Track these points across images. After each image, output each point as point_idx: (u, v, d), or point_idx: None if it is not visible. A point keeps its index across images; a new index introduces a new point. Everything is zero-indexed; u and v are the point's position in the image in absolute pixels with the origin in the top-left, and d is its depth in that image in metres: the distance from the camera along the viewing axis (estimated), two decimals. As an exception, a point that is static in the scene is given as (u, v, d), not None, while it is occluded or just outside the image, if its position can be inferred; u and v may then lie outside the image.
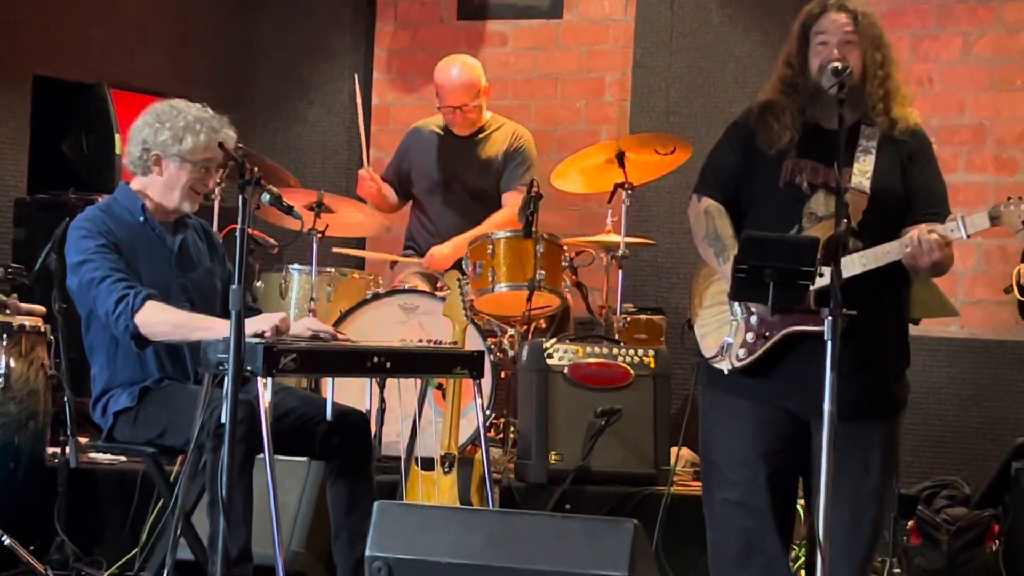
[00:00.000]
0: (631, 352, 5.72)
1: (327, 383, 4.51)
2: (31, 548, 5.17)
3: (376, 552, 3.54)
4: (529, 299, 5.78)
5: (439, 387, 5.20)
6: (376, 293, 6.07)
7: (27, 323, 5.41)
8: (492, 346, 5.91)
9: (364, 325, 5.84)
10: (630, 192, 6.21)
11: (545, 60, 7.75)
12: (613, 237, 6.29)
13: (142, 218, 4.65)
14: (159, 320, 4.44)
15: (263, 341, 4.20)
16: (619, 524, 3.45)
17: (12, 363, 5.36)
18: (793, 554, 4.76)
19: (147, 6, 7.59)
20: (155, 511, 5.16)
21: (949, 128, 6.77)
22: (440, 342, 4.80)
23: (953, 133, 6.78)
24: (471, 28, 7.86)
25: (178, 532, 4.29)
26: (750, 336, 4.08)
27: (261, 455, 4.15)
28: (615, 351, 5.72)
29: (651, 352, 5.74)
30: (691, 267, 4.38)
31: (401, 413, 5.07)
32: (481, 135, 6.73)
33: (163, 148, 4.61)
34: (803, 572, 4.76)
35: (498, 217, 6.52)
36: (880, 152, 4.11)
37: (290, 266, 6.37)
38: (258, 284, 6.32)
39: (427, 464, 5.17)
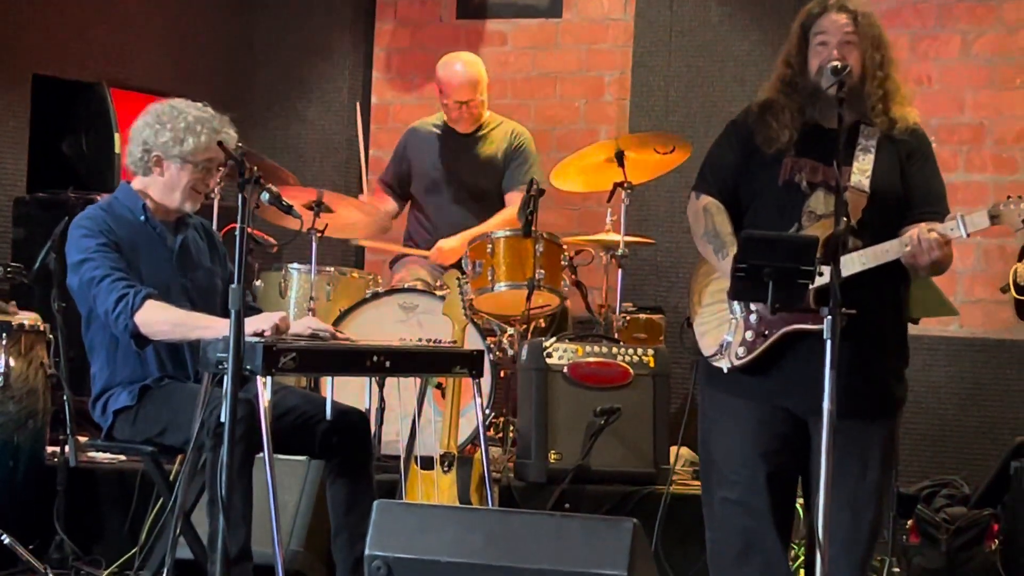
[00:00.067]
0: (630, 351, 5.73)
1: (326, 382, 4.51)
2: (30, 547, 5.16)
3: (375, 551, 3.54)
4: (528, 298, 5.78)
5: (438, 386, 5.20)
6: (375, 292, 6.07)
7: (26, 322, 5.41)
8: (491, 345, 5.91)
9: (363, 324, 5.84)
10: (629, 191, 6.21)
11: (544, 59, 7.75)
12: (612, 236, 6.29)
13: (143, 217, 4.65)
14: (159, 319, 4.44)
15: (263, 340, 4.20)
16: (618, 523, 3.45)
17: (11, 362, 5.36)
18: (792, 553, 4.76)
19: (147, 5, 7.59)
20: (154, 510, 5.15)
21: (948, 127, 6.77)
22: (440, 341, 4.80)
23: (952, 132, 6.78)
24: (470, 27, 7.86)
25: (177, 531, 4.29)
26: (749, 334, 4.09)
27: (261, 454, 4.16)
28: (614, 350, 5.72)
29: (650, 351, 5.74)
30: (690, 266, 4.38)
31: (400, 412, 5.07)
32: (480, 133, 6.74)
33: (164, 149, 4.60)
34: (802, 571, 4.76)
35: (505, 215, 6.52)
36: (879, 151, 4.12)
37: (289, 265, 6.36)
38: (257, 283, 6.32)
39: (426, 463, 5.17)
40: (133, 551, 5.18)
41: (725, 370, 4.13)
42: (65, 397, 5.25)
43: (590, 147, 6.46)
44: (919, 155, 4.17)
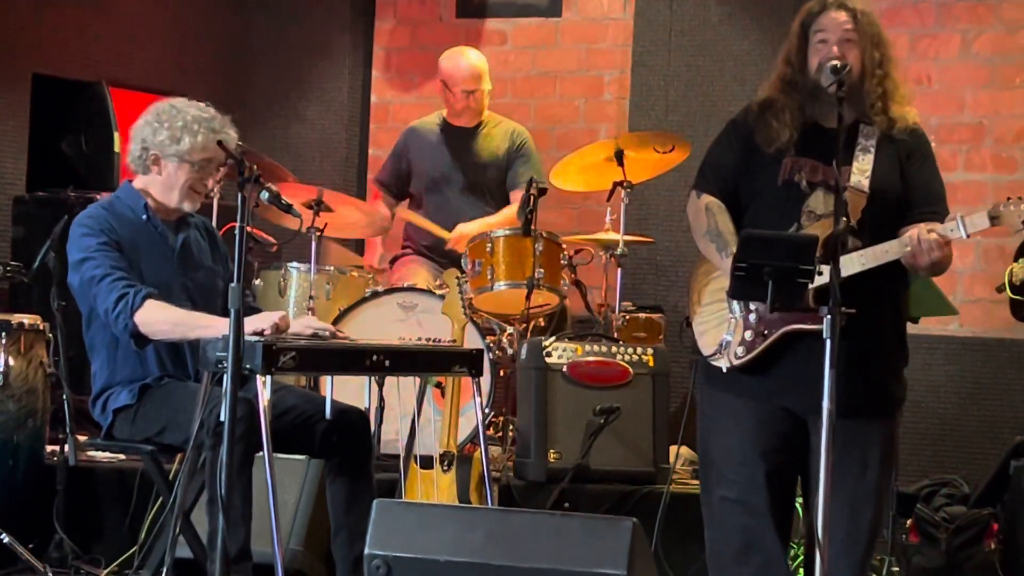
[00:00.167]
0: (630, 350, 5.73)
1: (326, 381, 4.51)
2: (30, 546, 5.17)
3: (375, 550, 3.54)
4: (528, 297, 5.78)
5: (438, 385, 5.20)
6: (375, 291, 6.07)
7: (26, 321, 5.41)
8: (491, 344, 5.91)
9: (363, 323, 5.84)
10: (629, 190, 6.22)
11: (544, 58, 7.75)
12: (612, 235, 6.29)
13: (145, 216, 4.65)
14: (158, 319, 4.44)
15: (262, 339, 4.20)
16: (618, 522, 3.45)
17: (11, 361, 5.36)
18: (792, 552, 4.76)
19: (146, 4, 7.59)
20: (154, 509, 5.15)
21: (948, 127, 6.77)
22: (439, 340, 4.80)
23: (952, 132, 6.78)
24: (470, 26, 7.86)
25: (177, 530, 4.29)
26: (749, 334, 4.08)
27: (260, 453, 4.15)
28: (614, 349, 5.72)
29: (650, 350, 5.75)
30: (690, 265, 4.38)
31: (400, 411, 5.07)
32: (481, 130, 6.76)
33: (161, 148, 4.60)
34: (801, 571, 4.76)
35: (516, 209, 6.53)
36: (879, 151, 4.12)
37: (289, 264, 6.36)
38: (257, 282, 6.31)
39: (426, 462, 5.17)
40: (132, 550, 5.18)
41: (724, 369, 4.13)
42: (64, 396, 5.25)
43: (590, 146, 6.46)
44: (919, 155, 4.17)
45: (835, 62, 3.98)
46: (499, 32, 7.82)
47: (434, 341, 4.78)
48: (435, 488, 5.12)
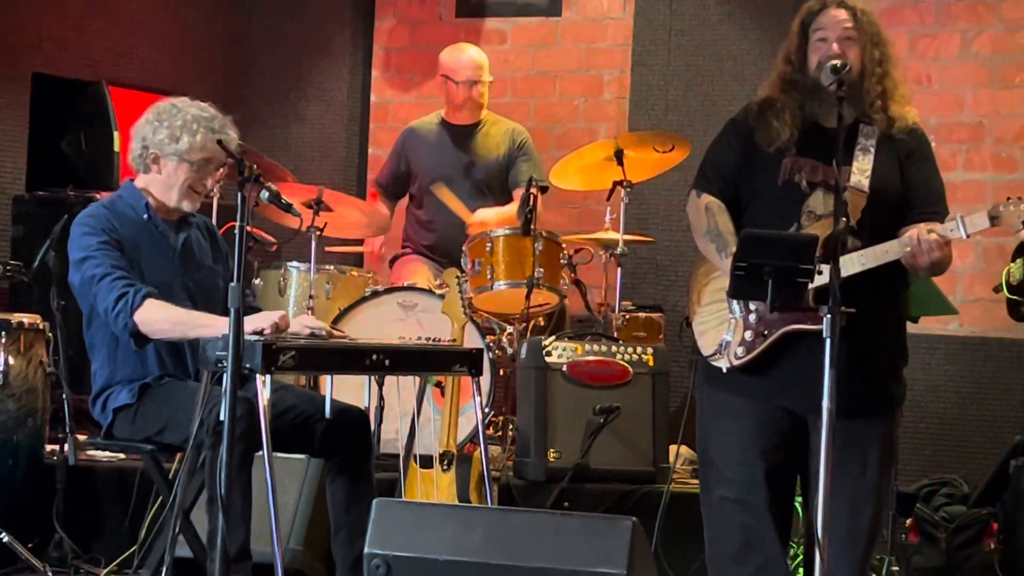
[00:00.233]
0: (630, 350, 5.73)
1: (326, 380, 4.51)
2: (30, 545, 5.17)
3: (375, 549, 3.54)
4: (528, 297, 5.78)
5: (438, 385, 5.20)
6: (375, 291, 6.07)
7: (26, 320, 5.41)
8: (491, 344, 5.92)
9: (363, 323, 5.85)
10: (629, 190, 6.22)
11: (544, 58, 7.76)
12: (612, 235, 6.29)
13: (146, 216, 4.65)
14: (158, 318, 4.44)
15: (262, 339, 4.20)
16: (618, 522, 3.45)
17: (11, 360, 5.35)
18: (791, 552, 4.76)
19: (146, 3, 7.59)
20: (154, 508, 5.15)
21: (948, 126, 6.77)
22: (439, 340, 4.80)
23: (952, 131, 6.78)
24: (470, 26, 7.87)
25: (177, 529, 4.29)
26: (748, 334, 4.08)
27: (260, 452, 4.15)
28: (614, 349, 5.72)
29: (650, 350, 5.75)
30: (690, 265, 4.38)
31: (400, 411, 5.07)
32: (479, 128, 6.76)
33: (160, 147, 4.61)
34: (801, 570, 4.76)
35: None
36: (879, 151, 4.12)
37: (289, 263, 6.36)
38: (257, 281, 6.32)
39: (426, 462, 5.17)
40: (132, 549, 5.18)
41: (724, 369, 4.13)
42: (64, 395, 5.25)
43: (589, 146, 6.46)
44: (918, 155, 4.17)
45: (835, 61, 3.98)
46: (499, 32, 7.82)
47: (434, 340, 4.78)
48: (435, 487, 5.12)
